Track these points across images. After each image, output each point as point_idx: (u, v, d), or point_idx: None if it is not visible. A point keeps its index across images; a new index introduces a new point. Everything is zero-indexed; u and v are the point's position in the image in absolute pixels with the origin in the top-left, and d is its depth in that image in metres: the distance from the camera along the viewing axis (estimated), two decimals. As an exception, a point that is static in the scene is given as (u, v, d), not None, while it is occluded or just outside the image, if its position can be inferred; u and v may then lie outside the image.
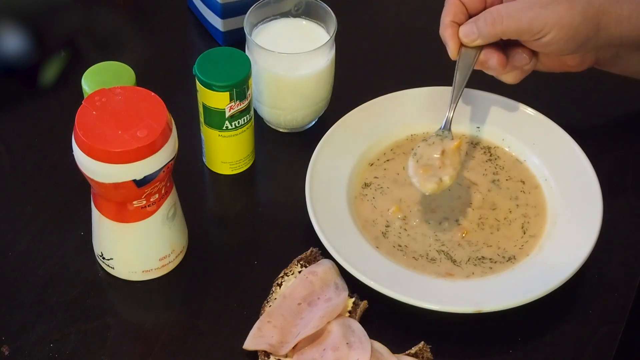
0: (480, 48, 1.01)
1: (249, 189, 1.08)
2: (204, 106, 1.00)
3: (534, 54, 1.02)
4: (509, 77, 1.03)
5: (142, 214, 0.91)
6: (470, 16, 1.02)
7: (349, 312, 0.93)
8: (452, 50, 1.01)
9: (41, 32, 1.15)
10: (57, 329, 0.93)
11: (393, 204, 1.02)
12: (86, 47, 1.18)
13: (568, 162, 1.04)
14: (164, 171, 0.88)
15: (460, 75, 1.01)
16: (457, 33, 1.01)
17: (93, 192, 0.92)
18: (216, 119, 1.01)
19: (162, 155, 0.87)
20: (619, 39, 1.01)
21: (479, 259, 0.97)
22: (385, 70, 1.18)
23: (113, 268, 0.96)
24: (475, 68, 1.01)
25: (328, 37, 1.05)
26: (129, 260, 0.96)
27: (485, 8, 1.01)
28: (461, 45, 1.01)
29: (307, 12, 1.08)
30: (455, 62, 1.02)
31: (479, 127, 1.08)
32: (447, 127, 1.01)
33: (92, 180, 0.88)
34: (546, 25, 0.97)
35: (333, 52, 1.06)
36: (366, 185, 1.04)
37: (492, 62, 1.01)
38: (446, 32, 1.01)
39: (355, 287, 0.94)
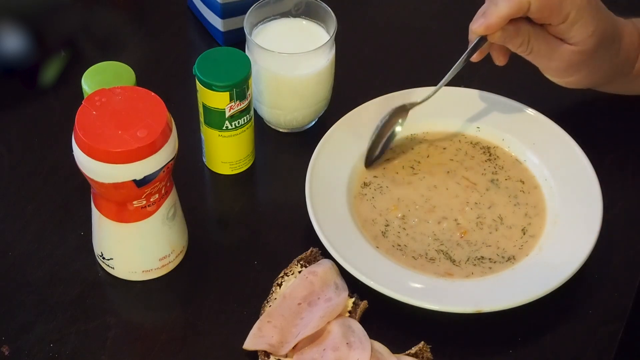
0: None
1: (249, 189, 1.08)
2: (204, 106, 1.00)
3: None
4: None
5: (142, 214, 0.91)
6: None
7: (349, 312, 0.93)
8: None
9: (41, 32, 1.15)
10: (57, 329, 0.93)
11: (392, 204, 1.02)
12: (86, 47, 1.18)
13: (568, 162, 1.04)
14: (164, 171, 0.88)
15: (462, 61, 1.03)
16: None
17: (93, 192, 0.92)
18: (216, 119, 1.01)
19: (162, 155, 0.87)
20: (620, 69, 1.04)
21: (478, 258, 0.97)
22: (385, 70, 1.18)
23: (113, 268, 0.96)
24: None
25: (328, 37, 1.05)
26: (129, 260, 0.96)
27: None
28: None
29: (307, 12, 1.08)
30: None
31: (479, 127, 1.08)
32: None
33: (92, 180, 0.88)
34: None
35: (333, 52, 1.06)
36: (365, 184, 1.04)
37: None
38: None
39: (355, 287, 0.94)
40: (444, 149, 1.07)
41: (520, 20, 0.99)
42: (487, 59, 1.18)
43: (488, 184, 1.04)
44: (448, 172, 1.04)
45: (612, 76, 1.05)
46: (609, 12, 1.02)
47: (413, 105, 1.05)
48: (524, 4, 0.97)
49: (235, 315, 0.94)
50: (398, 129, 1.05)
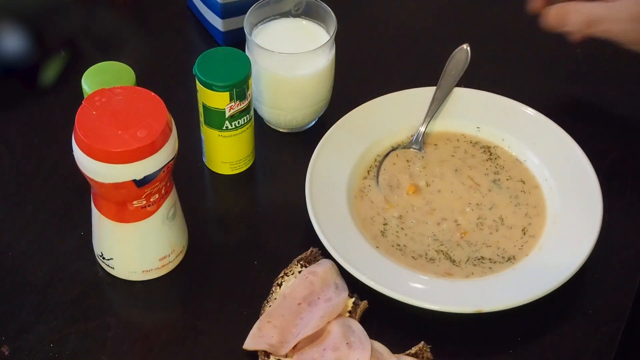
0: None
1: (249, 189, 1.08)
2: (204, 106, 1.00)
3: None
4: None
5: (142, 214, 0.92)
6: None
7: (349, 312, 0.93)
8: (535, 6, 1.05)
9: (41, 32, 1.15)
10: (57, 329, 0.93)
11: (389, 203, 1.02)
12: (86, 47, 1.18)
13: (568, 162, 1.04)
14: (164, 171, 0.88)
15: (445, 84, 1.08)
16: None
17: (93, 192, 0.92)
18: (216, 119, 1.01)
19: (162, 155, 0.87)
20: None
21: (478, 259, 0.97)
22: (385, 70, 1.18)
23: (113, 268, 0.96)
24: None
25: (328, 37, 1.05)
26: (129, 260, 0.96)
27: None
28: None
29: (307, 12, 1.08)
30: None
31: (479, 127, 1.08)
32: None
33: (92, 180, 0.88)
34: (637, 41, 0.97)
35: (333, 52, 1.06)
36: (365, 180, 1.03)
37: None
38: None
39: (355, 287, 0.94)
40: (435, 145, 1.07)
41: None
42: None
43: (490, 185, 1.03)
44: (456, 170, 1.04)
45: None
46: None
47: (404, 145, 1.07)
48: None
49: (235, 315, 0.94)
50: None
